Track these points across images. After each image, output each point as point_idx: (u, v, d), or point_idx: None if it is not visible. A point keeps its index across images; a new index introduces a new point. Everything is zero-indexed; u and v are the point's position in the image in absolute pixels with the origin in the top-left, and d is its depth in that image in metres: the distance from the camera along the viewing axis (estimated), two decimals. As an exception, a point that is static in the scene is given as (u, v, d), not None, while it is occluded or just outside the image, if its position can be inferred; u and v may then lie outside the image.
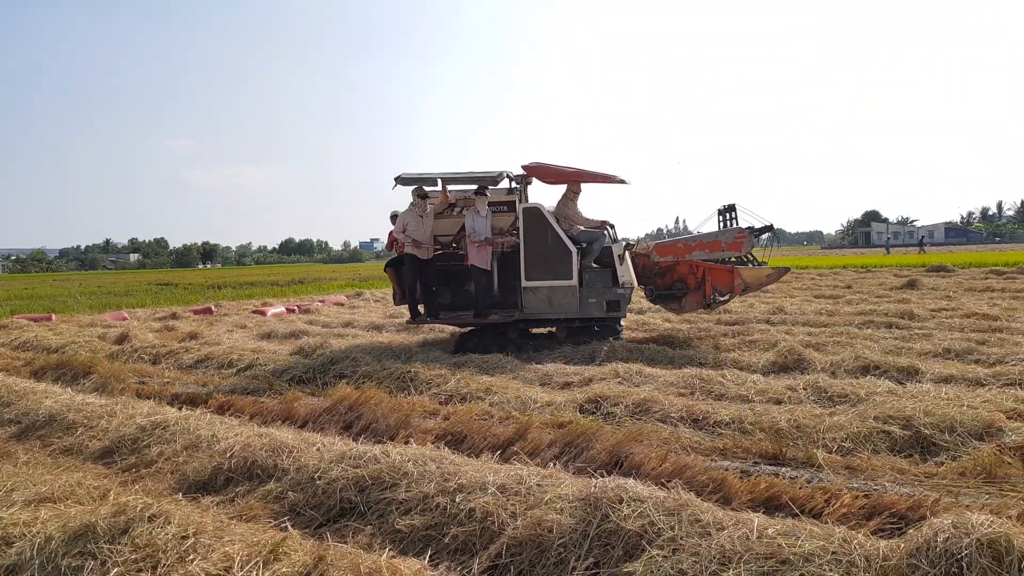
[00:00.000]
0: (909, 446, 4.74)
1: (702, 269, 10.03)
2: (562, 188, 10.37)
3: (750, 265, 10.18)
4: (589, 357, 8.95)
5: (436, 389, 7.07)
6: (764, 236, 10.39)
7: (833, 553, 2.80)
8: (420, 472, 4.08)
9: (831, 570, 2.72)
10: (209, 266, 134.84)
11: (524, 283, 9.74)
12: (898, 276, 22.71)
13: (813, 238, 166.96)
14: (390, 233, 10.54)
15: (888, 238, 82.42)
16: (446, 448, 4.68)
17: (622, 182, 10.42)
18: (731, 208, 10.32)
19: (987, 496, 3.73)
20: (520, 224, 9.76)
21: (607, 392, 6.25)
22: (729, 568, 2.86)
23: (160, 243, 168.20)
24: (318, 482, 4.29)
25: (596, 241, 9.97)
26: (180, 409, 6.42)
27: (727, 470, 4.33)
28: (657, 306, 10.91)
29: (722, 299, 10.12)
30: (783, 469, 4.40)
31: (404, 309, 11.82)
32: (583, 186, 10.30)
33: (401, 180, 9.96)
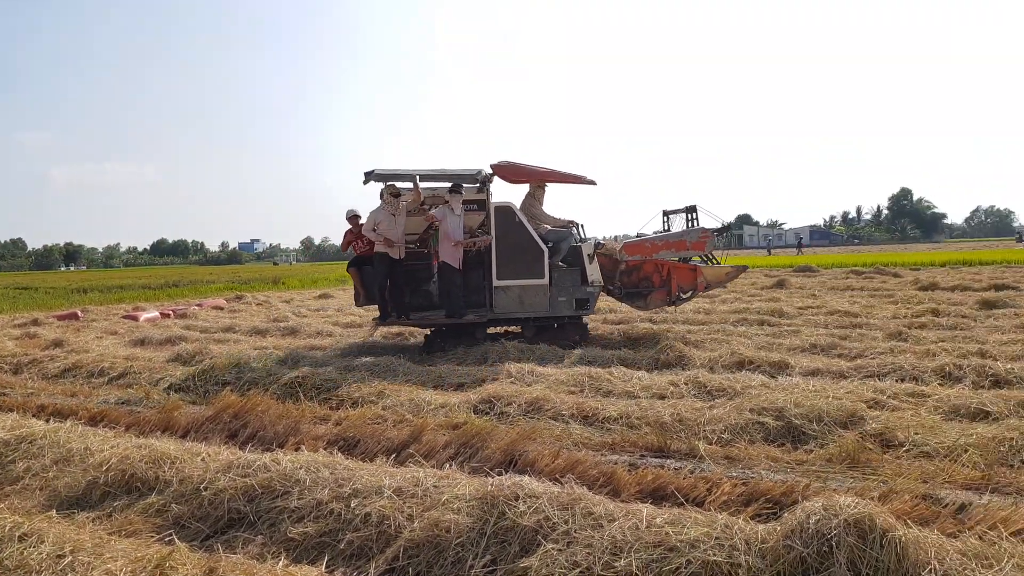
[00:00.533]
0: (782, 435, 5.07)
1: (667, 268, 10.34)
2: (525, 187, 10.42)
3: (710, 264, 10.60)
4: (482, 358, 9.02)
5: (327, 394, 6.93)
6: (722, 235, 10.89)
7: (716, 539, 2.97)
8: (313, 479, 4.00)
9: (715, 554, 2.88)
10: (73, 268, 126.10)
11: (496, 282, 9.73)
12: (768, 276, 24.10)
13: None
14: (347, 232, 10.16)
15: (770, 239, 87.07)
16: (339, 454, 4.62)
17: (591, 183, 10.58)
18: (693, 208, 10.64)
19: (852, 480, 4.04)
20: (492, 223, 9.74)
21: (500, 392, 6.33)
22: (621, 557, 2.98)
23: (17, 244, 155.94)
24: (204, 493, 4.13)
25: (564, 240, 10.09)
26: (48, 421, 6.00)
27: (616, 464, 4.49)
28: (624, 304, 11.06)
29: (685, 296, 10.50)
30: (668, 461, 4.60)
31: (285, 313, 11.49)
32: (547, 186, 10.38)
33: (374, 176, 9.57)
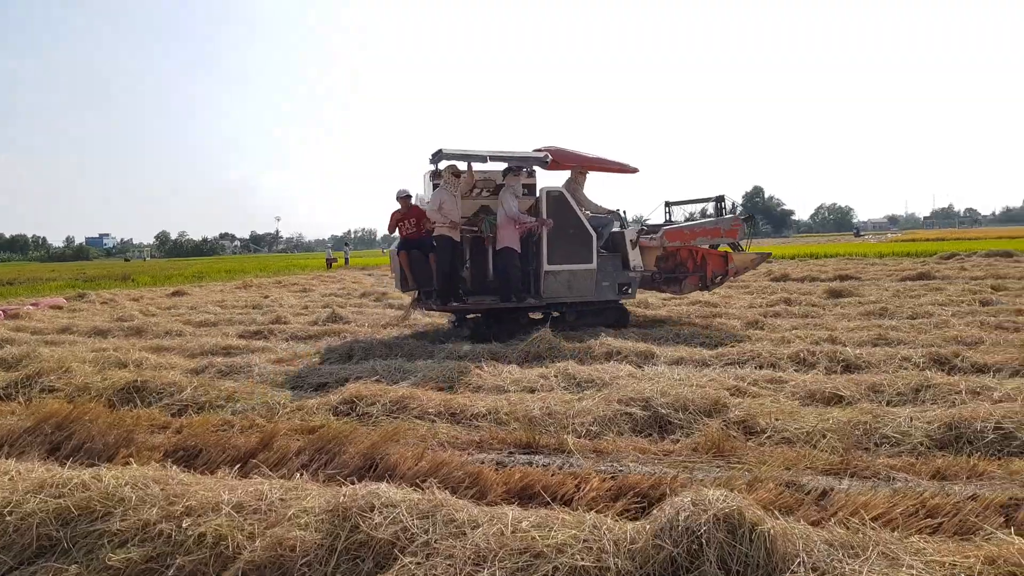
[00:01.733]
0: (649, 426, 5.02)
1: (701, 254, 10.64)
2: (565, 173, 10.46)
3: (737, 251, 10.95)
4: (346, 355, 8.60)
5: (169, 399, 6.30)
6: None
7: (584, 541, 2.79)
8: (140, 497, 3.52)
9: (583, 558, 2.70)
10: None
11: (546, 267, 9.66)
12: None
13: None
14: (395, 212, 9.75)
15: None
16: (175, 466, 4.12)
17: (634, 171, 10.87)
18: (721, 198, 10.97)
19: (718, 469, 4.01)
20: (543, 208, 9.69)
21: (363, 392, 5.97)
22: (484, 568, 2.74)
23: None
24: (8, 519, 3.55)
25: (605, 226, 10.25)
26: None
27: (483, 463, 4.26)
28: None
29: (717, 282, 10.90)
30: (537, 457, 4.43)
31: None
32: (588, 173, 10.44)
33: (443, 156, 9.25)
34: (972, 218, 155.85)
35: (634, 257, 10.16)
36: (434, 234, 9.42)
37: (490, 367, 7.04)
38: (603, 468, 4.12)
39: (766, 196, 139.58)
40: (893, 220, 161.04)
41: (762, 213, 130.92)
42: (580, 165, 10.41)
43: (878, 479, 3.78)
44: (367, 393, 5.92)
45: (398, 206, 9.95)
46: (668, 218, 11.62)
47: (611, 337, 8.46)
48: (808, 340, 8.33)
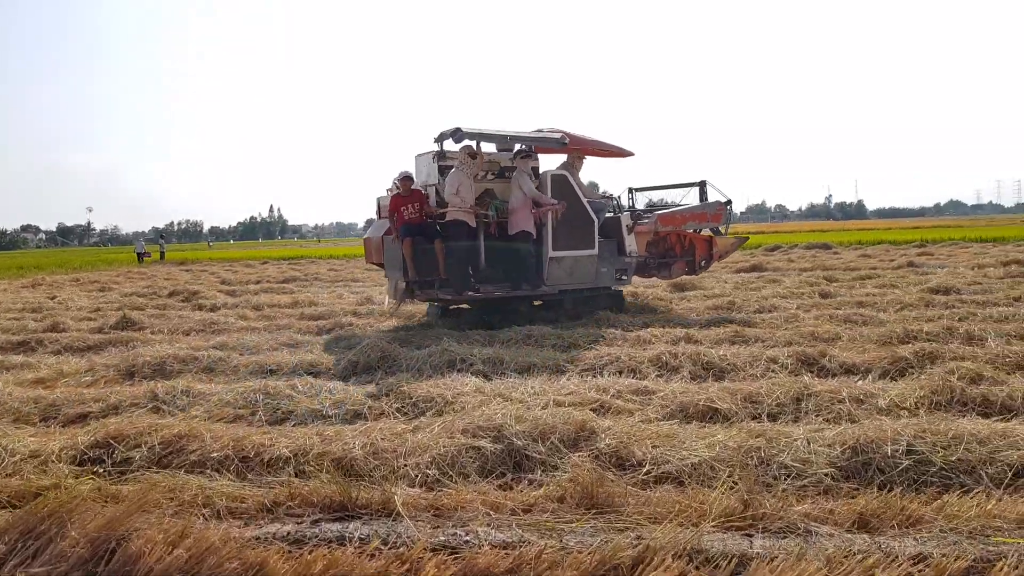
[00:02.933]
0: (502, 462, 3.98)
1: (688, 238, 10.76)
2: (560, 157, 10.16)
3: (719, 235, 11.10)
4: (127, 373, 6.97)
5: None
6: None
7: None
8: None
9: None
10: None
11: (551, 253, 9.26)
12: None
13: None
14: (395, 196, 8.98)
15: None
16: None
17: (630, 154, 10.80)
18: (703, 183, 10.95)
19: (594, 532, 3.02)
20: (547, 191, 9.22)
21: (125, 430, 4.48)
22: None
23: None
24: None
25: (600, 211, 9.98)
26: None
27: (272, 543, 3.03)
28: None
29: (704, 266, 11.05)
30: (352, 525, 3.24)
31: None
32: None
33: (461, 134, 8.65)
34: (782, 213, 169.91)
35: (630, 243, 10.02)
36: (447, 219, 8.84)
37: (306, 386, 5.74)
38: (443, 539, 3.01)
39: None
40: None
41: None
42: (587, 148, 10.17)
43: (795, 534, 2.94)
44: (131, 431, 4.45)
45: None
46: (631, 204, 11.38)
47: (455, 342, 7.39)
48: (665, 339, 7.68)
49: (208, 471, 3.99)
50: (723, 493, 3.23)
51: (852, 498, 3.38)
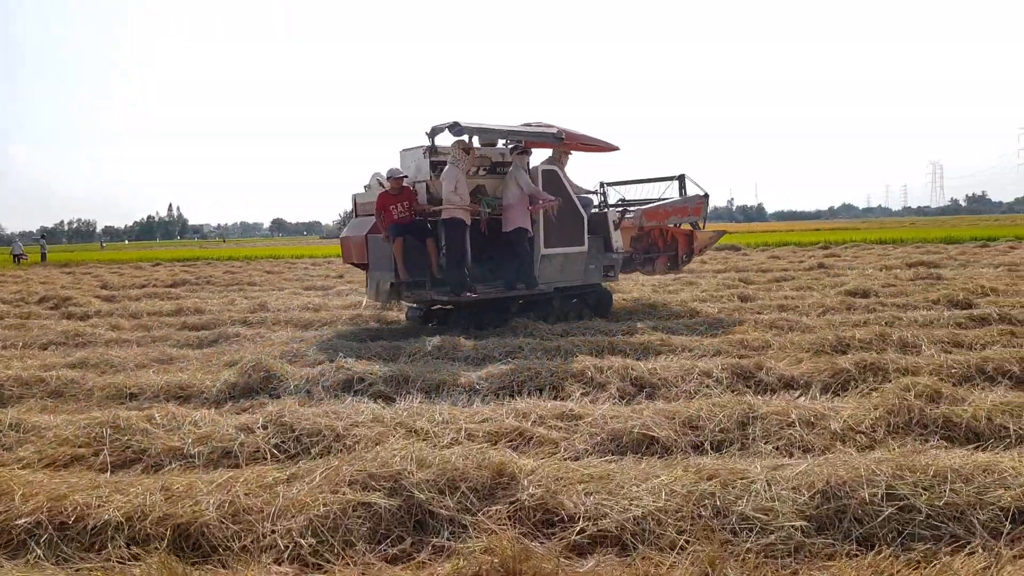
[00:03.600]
0: (400, 524, 3.16)
1: (671, 233, 10.65)
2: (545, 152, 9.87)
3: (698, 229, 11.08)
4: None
5: None
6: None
7: None
8: None
9: None
10: None
11: (543, 250, 8.95)
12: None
13: (313, 228, 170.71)
14: (383, 195, 8.50)
15: None
16: None
17: (615, 148, 10.40)
18: (682, 177, 10.84)
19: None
20: (538, 187, 8.90)
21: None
22: None
23: None
24: None
25: (587, 207, 9.74)
26: None
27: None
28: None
29: (686, 261, 10.97)
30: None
31: None
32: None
33: (460, 128, 8.32)
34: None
35: (616, 238, 9.76)
36: (444, 217, 8.38)
37: (166, 417, 4.76)
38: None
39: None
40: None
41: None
42: (578, 142, 9.75)
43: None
44: (-89, 492, 3.41)
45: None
46: (603, 199, 11.16)
47: (352, 358, 6.49)
48: (588, 349, 7.03)
49: (5, 548, 3.02)
50: (678, 560, 2.53)
51: (830, 560, 2.75)
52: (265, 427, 4.57)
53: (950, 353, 6.30)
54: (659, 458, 4.02)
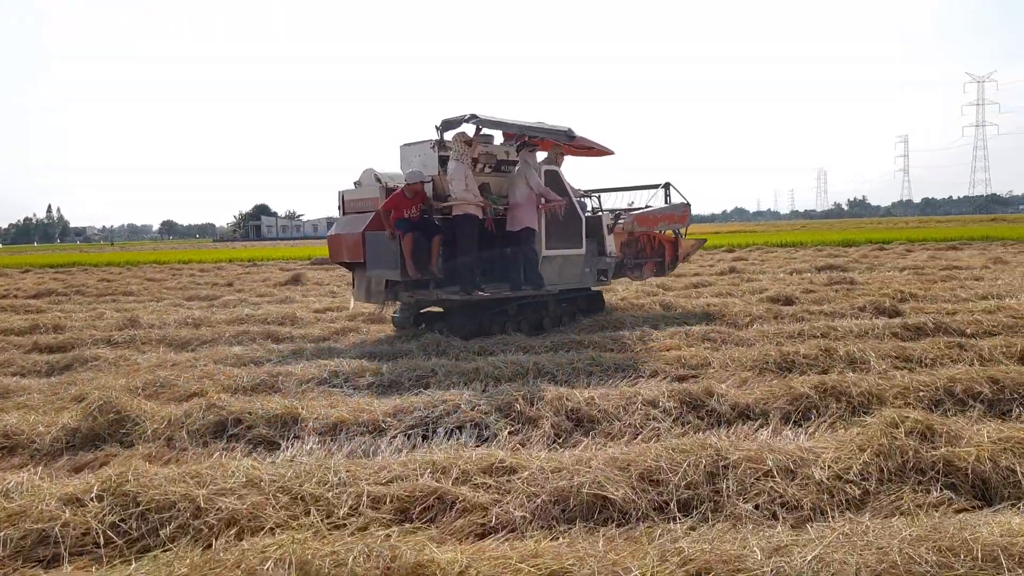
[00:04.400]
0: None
1: (658, 239, 10.76)
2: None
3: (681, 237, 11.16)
4: None
5: None
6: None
7: None
8: None
9: None
10: None
11: (544, 252, 8.84)
12: (284, 270, 21.38)
13: (206, 231, 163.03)
14: (396, 195, 8.22)
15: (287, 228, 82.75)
16: None
17: (610, 152, 10.48)
18: (667, 185, 10.85)
19: None
20: None
21: None
22: None
23: None
24: None
25: (583, 210, 9.66)
26: None
27: None
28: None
29: (672, 267, 11.13)
30: None
31: None
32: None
33: (477, 120, 8.06)
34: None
35: (610, 243, 9.83)
36: (456, 214, 8.20)
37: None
38: None
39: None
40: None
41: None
42: (584, 145, 9.65)
43: None
44: None
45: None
46: (599, 203, 11.10)
47: (226, 393, 5.37)
48: (510, 371, 6.17)
49: None
50: None
51: None
52: (100, 498, 3.44)
53: (905, 371, 5.79)
54: (618, 527, 3.18)
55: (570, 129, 8.99)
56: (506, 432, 4.59)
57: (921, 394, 4.97)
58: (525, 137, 8.98)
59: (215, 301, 13.41)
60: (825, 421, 4.69)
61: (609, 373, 6.27)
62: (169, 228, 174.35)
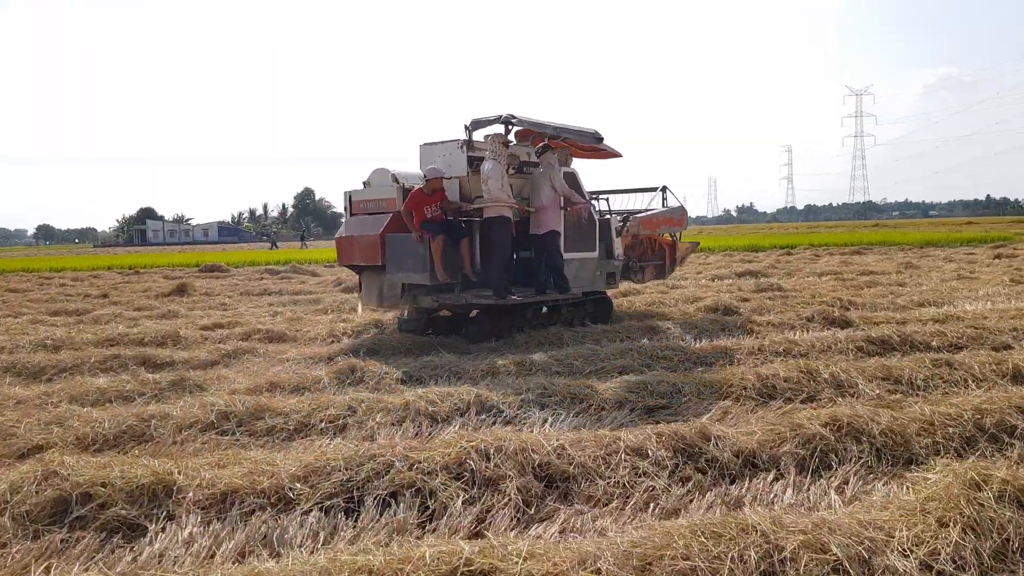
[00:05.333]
0: None
1: (659, 242, 10.66)
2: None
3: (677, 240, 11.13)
4: None
5: None
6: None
7: None
8: None
9: None
10: None
11: (563, 255, 8.61)
12: (169, 279, 19.33)
13: (86, 235, 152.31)
14: (415, 194, 7.96)
15: (273, 232, 78.09)
16: None
17: (620, 155, 10.37)
18: (664, 188, 10.91)
19: None
20: None
21: None
22: None
23: None
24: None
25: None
26: None
27: None
28: None
29: (671, 270, 11.05)
30: None
31: None
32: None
33: (515, 120, 8.05)
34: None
35: (618, 245, 9.77)
36: (488, 215, 8.08)
37: None
38: None
39: (316, 197, 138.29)
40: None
41: (314, 215, 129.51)
42: (595, 147, 9.47)
43: None
44: None
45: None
46: (608, 206, 11.07)
47: (75, 454, 4.00)
48: (449, 406, 5.05)
49: None
50: None
51: None
52: None
53: (899, 395, 5.07)
54: None
55: (597, 131, 9.05)
56: (459, 501, 3.47)
57: (950, 430, 4.17)
58: (546, 139, 8.79)
59: (84, 316, 11.61)
60: (852, 471, 3.82)
61: (565, 404, 5.26)
62: (46, 233, 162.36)
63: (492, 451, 3.85)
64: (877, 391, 5.35)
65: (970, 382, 5.56)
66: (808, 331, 8.31)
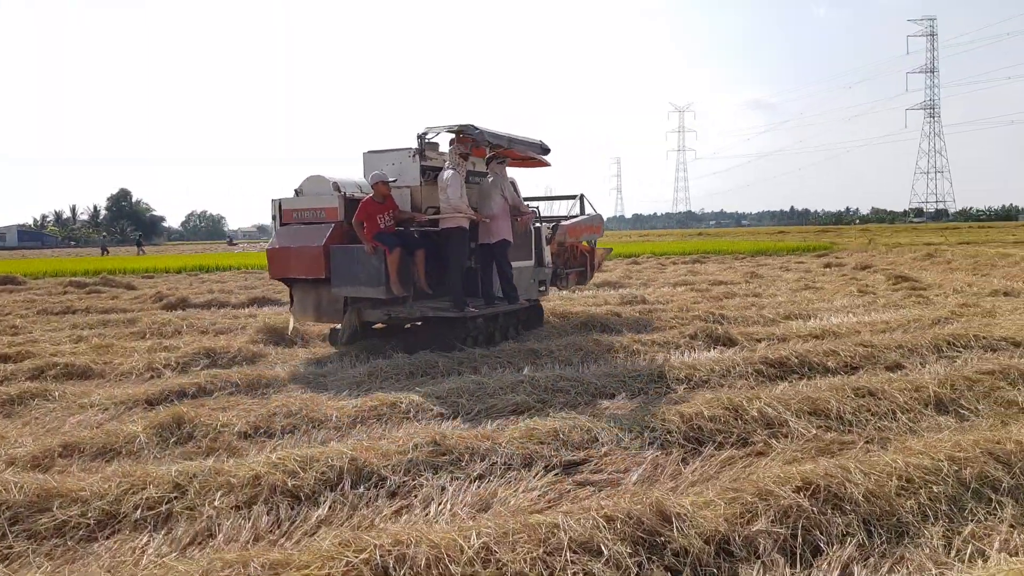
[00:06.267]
0: None
1: (580, 249, 10.89)
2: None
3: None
4: None
5: None
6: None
7: None
8: None
9: None
10: None
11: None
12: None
13: None
14: (367, 203, 7.63)
15: (104, 236, 69.53)
16: None
17: (548, 164, 10.25)
18: (582, 197, 11.17)
19: None
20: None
21: None
22: None
23: None
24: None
25: None
26: None
27: None
28: None
29: (590, 276, 11.23)
30: None
31: None
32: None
33: (478, 132, 7.87)
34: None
35: (547, 253, 9.87)
36: (447, 226, 7.91)
37: None
38: None
39: (134, 200, 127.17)
40: (263, 229, 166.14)
41: (131, 218, 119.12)
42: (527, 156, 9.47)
43: None
44: None
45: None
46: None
47: None
48: (314, 472, 3.86)
49: None
50: None
51: None
52: None
53: (839, 434, 4.47)
54: None
55: (543, 142, 9.28)
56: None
57: (933, 488, 3.53)
58: (488, 149, 8.69)
59: None
60: (847, 554, 3.06)
61: (463, 463, 4.22)
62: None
63: (393, 565, 2.73)
64: (812, 430, 4.74)
65: (898, 413, 5.09)
66: (696, 351, 7.80)
